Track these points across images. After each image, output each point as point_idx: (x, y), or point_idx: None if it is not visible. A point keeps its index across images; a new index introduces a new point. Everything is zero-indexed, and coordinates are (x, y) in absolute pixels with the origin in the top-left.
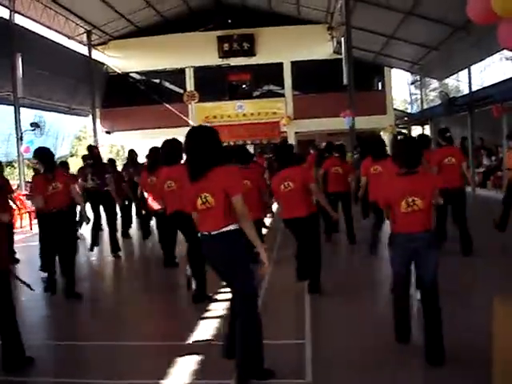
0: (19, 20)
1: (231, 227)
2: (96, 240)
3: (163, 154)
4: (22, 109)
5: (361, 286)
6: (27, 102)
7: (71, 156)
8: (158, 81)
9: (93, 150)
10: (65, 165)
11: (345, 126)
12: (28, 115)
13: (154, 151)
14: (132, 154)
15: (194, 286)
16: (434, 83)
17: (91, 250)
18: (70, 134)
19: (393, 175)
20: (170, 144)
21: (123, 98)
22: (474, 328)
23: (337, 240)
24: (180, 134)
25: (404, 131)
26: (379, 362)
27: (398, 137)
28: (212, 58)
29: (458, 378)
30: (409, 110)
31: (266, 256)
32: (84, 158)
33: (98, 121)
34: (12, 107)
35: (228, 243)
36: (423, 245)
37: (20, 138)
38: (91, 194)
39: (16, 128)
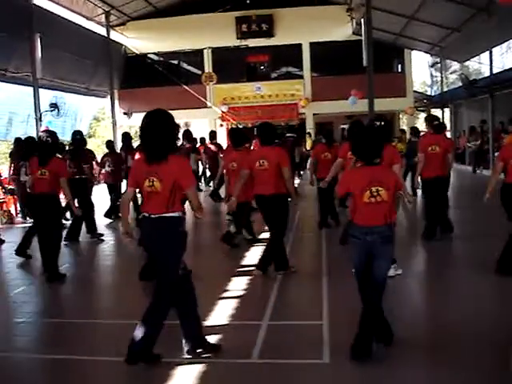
0: (38, 1)
1: (172, 214)
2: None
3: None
4: (40, 90)
5: None
6: (46, 83)
7: (89, 137)
8: (176, 62)
9: (74, 137)
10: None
11: (363, 108)
12: (46, 96)
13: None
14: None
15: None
16: (455, 65)
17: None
18: (89, 114)
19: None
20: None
21: (141, 79)
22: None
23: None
24: (198, 116)
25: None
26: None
27: (376, 123)
28: (230, 39)
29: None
30: (428, 93)
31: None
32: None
33: (116, 102)
34: (30, 88)
35: (165, 229)
36: (381, 239)
37: (39, 119)
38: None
39: (35, 109)
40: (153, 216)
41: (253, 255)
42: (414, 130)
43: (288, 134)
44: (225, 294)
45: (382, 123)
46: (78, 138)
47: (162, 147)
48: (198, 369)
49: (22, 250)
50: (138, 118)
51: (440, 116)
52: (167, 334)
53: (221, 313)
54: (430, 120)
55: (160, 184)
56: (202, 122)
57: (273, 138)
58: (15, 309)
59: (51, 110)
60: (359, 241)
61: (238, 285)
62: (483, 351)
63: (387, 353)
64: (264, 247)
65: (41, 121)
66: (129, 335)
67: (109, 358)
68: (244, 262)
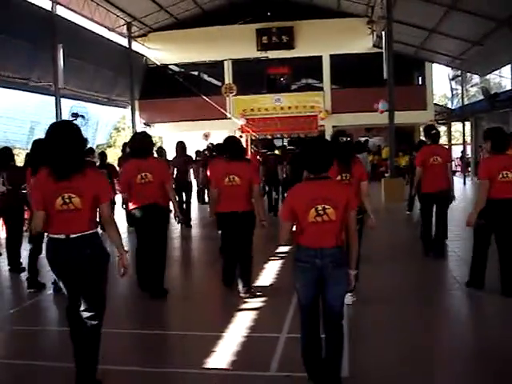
0: (61, 11)
1: (93, 231)
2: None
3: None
4: (61, 100)
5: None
6: (67, 93)
7: (109, 147)
8: (196, 73)
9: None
10: (103, 155)
11: (382, 120)
12: (67, 106)
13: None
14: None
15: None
16: (476, 78)
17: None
18: (109, 124)
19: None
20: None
21: (162, 89)
22: None
23: None
24: (217, 127)
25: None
26: None
27: (342, 138)
28: (250, 51)
29: None
30: (449, 106)
31: (125, 256)
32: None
33: (136, 112)
34: (52, 98)
35: (91, 246)
36: (332, 263)
37: None
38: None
39: (56, 118)
40: (72, 236)
41: (267, 269)
42: (420, 145)
43: (289, 147)
44: (242, 307)
45: (348, 139)
46: None
47: (75, 159)
48: (215, 380)
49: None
50: (157, 129)
51: (461, 129)
52: (191, 345)
53: (239, 325)
54: (428, 130)
55: (79, 200)
56: (221, 133)
57: (242, 153)
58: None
59: (73, 120)
60: (307, 265)
61: (256, 298)
62: None
63: None
64: (241, 266)
65: None
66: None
67: None
68: (259, 276)
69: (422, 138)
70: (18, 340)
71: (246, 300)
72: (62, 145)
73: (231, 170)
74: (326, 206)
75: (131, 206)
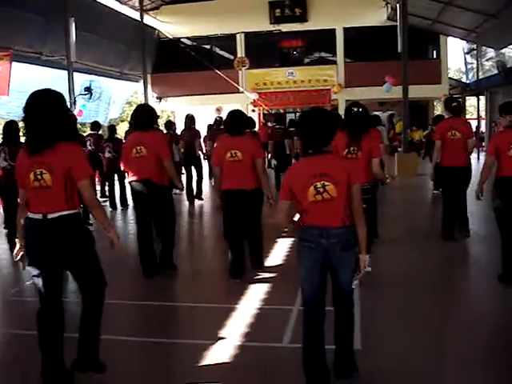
0: None
1: (71, 211)
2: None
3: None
4: (74, 74)
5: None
6: (80, 67)
7: (121, 121)
8: (208, 47)
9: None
10: (112, 129)
11: (396, 95)
12: (79, 80)
13: None
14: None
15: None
16: (491, 52)
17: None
18: (122, 98)
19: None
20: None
21: (174, 63)
22: None
23: None
24: (230, 101)
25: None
26: None
27: (354, 109)
28: (263, 24)
29: None
30: (464, 80)
31: (114, 234)
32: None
33: (149, 86)
34: (62, 72)
35: (69, 229)
36: (339, 244)
37: (73, 102)
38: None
39: (69, 92)
40: (50, 217)
41: (280, 244)
42: (438, 119)
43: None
44: (255, 279)
45: (360, 109)
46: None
47: (46, 132)
48: (228, 352)
49: None
50: (170, 103)
51: (475, 104)
52: (201, 316)
53: (251, 297)
54: (449, 102)
55: (50, 177)
56: (234, 107)
57: (243, 127)
58: None
59: (85, 94)
60: (312, 245)
61: (269, 270)
62: None
63: None
64: (250, 245)
65: (75, 104)
66: None
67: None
68: (271, 251)
69: (438, 112)
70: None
71: (258, 274)
72: (33, 116)
73: (234, 144)
74: (326, 183)
75: (127, 181)
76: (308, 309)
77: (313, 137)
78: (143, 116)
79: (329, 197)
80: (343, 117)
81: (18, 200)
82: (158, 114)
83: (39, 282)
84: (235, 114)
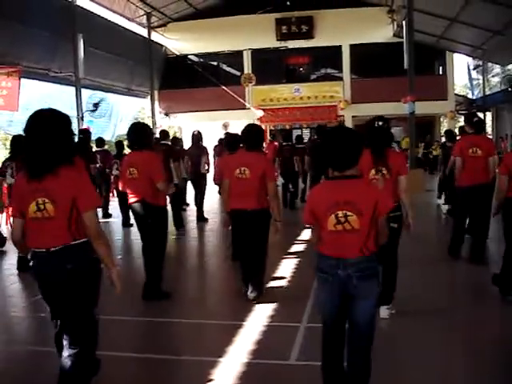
0: (81, 2)
1: (77, 241)
2: None
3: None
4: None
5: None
6: (88, 83)
7: None
8: (215, 63)
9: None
10: (120, 145)
11: (403, 110)
12: (85, 96)
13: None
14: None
15: None
16: (497, 68)
17: None
18: (129, 114)
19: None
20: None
21: (181, 80)
22: None
23: None
24: (237, 117)
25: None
26: None
27: (378, 123)
28: (270, 41)
29: None
30: (470, 96)
31: (116, 274)
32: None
33: (156, 102)
34: (70, 87)
35: (74, 260)
36: (358, 273)
37: (81, 118)
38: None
39: (77, 108)
40: (52, 249)
41: (287, 263)
42: (449, 134)
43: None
44: (261, 299)
45: (381, 123)
46: (82, 137)
47: (48, 155)
48: (236, 369)
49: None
50: (177, 119)
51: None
52: (207, 334)
53: (259, 314)
54: (470, 117)
55: (53, 206)
56: (240, 123)
57: (260, 143)
58: None
59: (93, 110)
60: (328, 277)
61: (276, 288)
62: None
63: None
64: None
65: (82, 120)
66: None
67: None
68: (278, 269)
69: (445, 128)
70: (40, 327)
71: (265, 292)
72: (34, 137)
73: (244, 161)
74: (348, 213)
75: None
76: (325, 333)
77: (338, 158)
78: (135, 135)
79: (350, 228)
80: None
81: (13, 234)
82: (166, 130)
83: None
84: (254, 128)
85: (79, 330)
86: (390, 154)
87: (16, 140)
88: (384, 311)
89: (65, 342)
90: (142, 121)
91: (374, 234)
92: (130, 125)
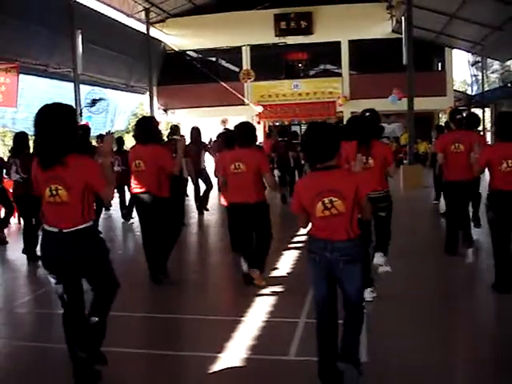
0: None
1: (87, 224)
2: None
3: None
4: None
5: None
6: (86, 79)
7: (127, 133)
8: (214, 59)
9: (21, 136)
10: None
11: (401, 107)
12: (83, 91)
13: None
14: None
15: None
16: (496, 65)
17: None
18: (127, 110)
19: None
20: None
21: (180, 76)
22: None
23: None
24: (235, 113)
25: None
26: None
27: (366, 114)
28: (269, 37)
29: None
30: (469, 92)
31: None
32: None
33: (154, 98)
34: (68, 83)
35: (87, 240)
36: (344, 257)
37: (80, 114)
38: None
39: (76, 104)
40: (66, 231)
41: (286, 256)
42: (439, 129)
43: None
44: (261, 292)
45: (367, 114)
46: (81, 132)
47: (56, 147)
48: (234, 364)
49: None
50: (176, 115)
51: (480, 116)
52: (207, 329)
53: (258, 310)
54: (453, 114)
55: (67, 192)
56: (239, 119)
57: (252, 139)
58: None
59: (92, 105)
60: (316, 257)
61: (275, 282)
62: None
63: None
64: (257, 247)
65: (81, 115)
66: None
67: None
68: (278, 263)
69: (441, 123)
70: (36, 323)
71: (264, 286)
72: (44, 131)
73: (238, 156)
74: (333, 198)
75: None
76: (320, 321)
77: (316, 152)
78: (143, 129)
79: (336, 212)
80: (355, 125)
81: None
82: (164, 125)
83: (59, 289)
84: (246, 126)
85: (102, 281)
86: (374, 145)
87: (18, 137)
88: (367, 294)
89: (92, 288)
90: (140, 116)
91: (357, 218)
92: (137, 119)
